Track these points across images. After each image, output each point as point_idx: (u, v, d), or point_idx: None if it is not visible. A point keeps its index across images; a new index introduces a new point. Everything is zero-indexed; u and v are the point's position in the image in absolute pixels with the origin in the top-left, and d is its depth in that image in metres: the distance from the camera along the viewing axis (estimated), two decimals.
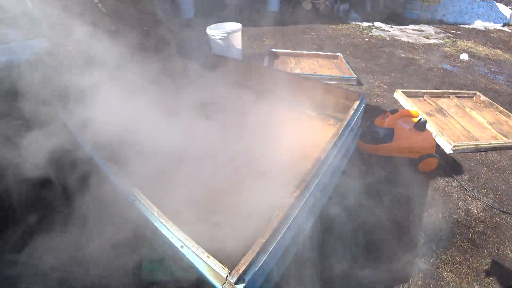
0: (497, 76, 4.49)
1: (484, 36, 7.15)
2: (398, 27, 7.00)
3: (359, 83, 3.57)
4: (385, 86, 3.55)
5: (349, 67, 3.83)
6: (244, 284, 0.52)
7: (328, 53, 4.34)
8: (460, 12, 8.18)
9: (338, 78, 3.48)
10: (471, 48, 5.87)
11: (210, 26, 3.76)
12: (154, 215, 0.68)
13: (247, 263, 0.54)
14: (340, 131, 1.02)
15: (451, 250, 1.58)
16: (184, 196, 1.40)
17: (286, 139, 1.51)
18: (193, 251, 0.58)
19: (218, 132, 1.62)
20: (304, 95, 1.42)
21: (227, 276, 0.53)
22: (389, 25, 7.00)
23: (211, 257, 0.57)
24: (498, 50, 5.99)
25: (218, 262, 0.56)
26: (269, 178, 1.48)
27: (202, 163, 1.57)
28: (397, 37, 6.07)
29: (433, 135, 2.52)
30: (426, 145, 2.05)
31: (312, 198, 0.78)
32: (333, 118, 1.34)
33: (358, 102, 1.16)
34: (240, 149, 1.58)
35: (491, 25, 8.18)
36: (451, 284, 1.43)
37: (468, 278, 1.47)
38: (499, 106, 3.18)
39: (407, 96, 3.13)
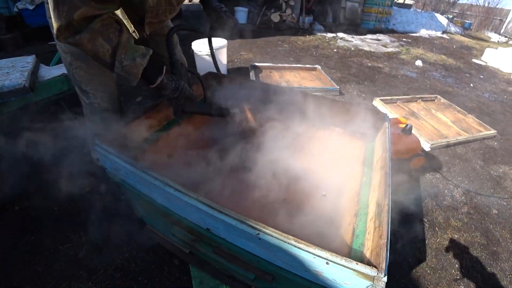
0: (447, 79, 5.26)
1: (429, 43, 8.19)
2: (358, 37, 7.73)
3: (341, 93, 3.98)
4: (363, 95, 4.01)
5: (329, 78, 4.24)
6: (386, 276, 0.68)
7: (307, 66, 4.72)
8: (407, 22, 9.25)
9: (323, 89, 3.85)
10: (422, 54, 6.72)
11: (194, 42, 3.85)
12: (289, 243, 0.75)
13: (384, 260, 0.72)
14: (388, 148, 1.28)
15: (449, 230, 1.97)
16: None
17: (328, 156, 1.77)
18: (339, 264, 0.70)
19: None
20: (327, 113, 1.70)
21: (376, 274, 0.68)
22: (351, 36, 7.69)
23: (360, 263, 0.70)
24: (443, 56, 6.93)
25: (366, 265, 0.70)
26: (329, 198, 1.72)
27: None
28: (360, 47, 6.73)
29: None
30: (414, 147, 2.45)
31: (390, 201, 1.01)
32: (359, 134, 1.63)
33: (386, 123, 1.46)
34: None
35: (433, 33, 9.37)
36: (456, 256, 1.79)
37: (466, 249, 1.86)
38: (456, 106, 3.79)
39: (385, 103, 3.59)
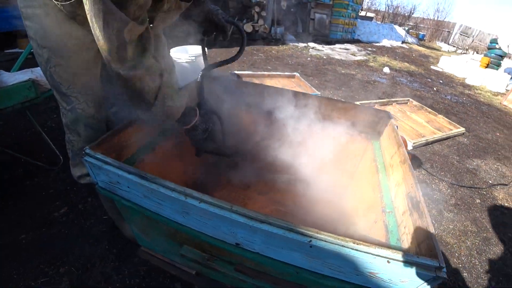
0: (414, 84, 5.66)
1: (392, 52, 8.81)
2: (328, 46, 8.11)
3: None
4: (342, 100, 4.17)
5: (309, 85, 4.35)
6: (444, 266, 0.67)
7: (287, 73, 4.82)
8: (371, 33, 9.90)
9: None
10: (388, 62, 7.19)
11: (173, 49, 3.78)
12: (347, 246, 0.71)
13: (439, 250, 0.71)
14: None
15: (444, 221, 2.07)
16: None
17: (338, 158, 1.79)
18: (401, 260, 0.67)
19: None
20: (337, 115, 1.73)
21: (439, 264, 0.66)
22: (321, 45, 8.04)
23: (421, 256, 0.68)
24: (406, 63, 7.48)
25: (427, 258, 0.68)
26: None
27: None
28: (332, 56, 7.05)
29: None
30: None
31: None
32: (364, 132, 1.67)
33: (392, 120, 1.52)
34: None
35: (394, 43, 10.11)
36: (454, 245, 1.88)
37: (461, 237, 1.96)
38: (427, 108, 4.07)
39: None
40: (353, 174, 1.78)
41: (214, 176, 1.83)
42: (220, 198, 1.62)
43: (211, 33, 1.46)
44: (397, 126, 2.57)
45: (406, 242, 0.92)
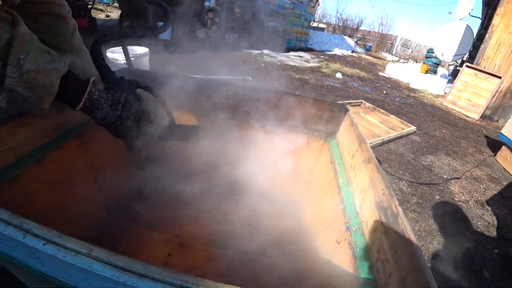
0: (365, 88, 5.83)
1: (343, 60, 9.18)
2: (282, 53, 8.15)
3: None
4: (291, 92, 4.05)
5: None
6: None
7: (239, 77, 4.62)
8: (323, 42, 10.26)
9: None
10: (340, 68, 7.41)
11: (109, 49, 3.38)
12: None
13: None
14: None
15: (409, 222, 1.94)
16: None
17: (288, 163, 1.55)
18: None
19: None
20: (285, 111, 1.50)
21: None
22: (275, 52, 8.06)
23: None
24: (356, 69, 7.79)
25: None
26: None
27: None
28: (286, 62, 7.06)
29: None
30: None
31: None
32: (317, 131, 1.46)
33: (349, 112, 1.32)
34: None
35: (345, 52, 10.59)
36: (423, 250, 1.74)
37: (427, 238, 1.83)
38: (379, 109, 4.13)
39: None
40: (309, 181, 1.55)
41: (144, 192, 1.46)
42: (151, 218, 1.23)
43: (129, 17, 1.17)
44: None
45: (382, 274, 0.66)
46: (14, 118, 0.82)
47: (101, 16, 9.66)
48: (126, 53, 1.41)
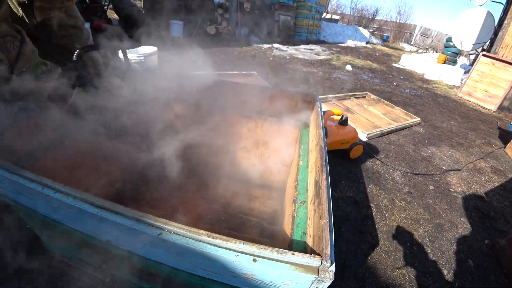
0: (374, 80, 5.72)
1: (356, 51, 8.99)
2: (293, 47, 8.11)
3: None
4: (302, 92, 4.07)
5: (266, 83, 4.23)
6: (334, 264, 0.53)
7: (244, 72, 4.68)
8: (336, 34, 10.08)
9: None
10: (351, 61, 7.29)
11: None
12: (201, 240, 0.57)
13: (328, 244, 0.56)
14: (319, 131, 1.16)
15: (395, 211, 1.96)
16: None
17: (265, 149, 1.65)
18: (270, 258, 0.53)
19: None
20: (258, 102, 1.57)
21: (320, 263, 0.53)
22: (286, 46, 8.03)
23: (297, 253, 0.54)
24: (368, 61, 7.62)
25: (306, 254, 0.54)
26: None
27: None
28: (295, 55, 7.03)
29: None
30: (352, 136, 2.47)
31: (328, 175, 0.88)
32: (293, 120, 1.53)
33: (318, 102, 1.38)
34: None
35: (358, 43, 10.36)
36: (406, 235, 1.77)
37: (413, 226, 1.85)
38: (384, 101, 4.07)
39: (321, 102, 3.68)
40: (288, 167, 1.64)
41: (146, 175, 1.66)
42: (151, 198, 1.46)
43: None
44: (346, 117, 2.47)
45: (309, 236, 0.76)
46: (35, 115, 1.03)
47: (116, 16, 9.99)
48: (125, 55, 1.51)
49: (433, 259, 1.66)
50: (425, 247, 1.73)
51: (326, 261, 0.54)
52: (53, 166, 1.10)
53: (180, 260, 0.65)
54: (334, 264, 0.55)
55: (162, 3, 8.08)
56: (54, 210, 0.72)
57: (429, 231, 1.86)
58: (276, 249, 0.55)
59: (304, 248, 0.75)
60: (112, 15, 10.38)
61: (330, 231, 0.62)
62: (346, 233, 1.73)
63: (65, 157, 1.16)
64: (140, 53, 3.59)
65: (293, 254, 0.54)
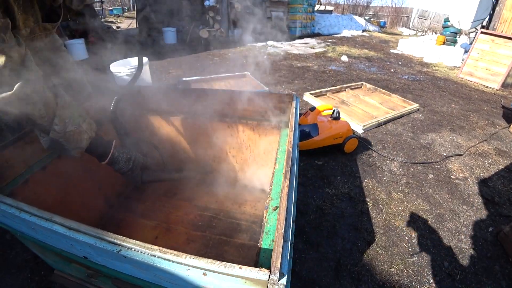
0: (371, 69, 5.62)
1: (352, 41, 8.86)
2: (287, 43, 8.04)
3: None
4: (294, 93, 4.02)
5: (259, 82, 4.19)
6: (285, 277, 0.52)
7: (237, 73, 4.64)
8: (331, 25, 9.95)
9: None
10: (347, 51, 7.18)
11: (113, 64, 3.57)
12: (154, 255, 0.58)
13: (279, 256, 0.55)
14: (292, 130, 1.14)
15: (393, 204, 1.90)
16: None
17: (246, 153, 1.63)
18: (218, 272, 0.53)
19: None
20: (236, 107, 1.54)
21: (269, 276, 0.51)
22: (280, 42, 7.97)
23: (244, 267, 0.53)
24: (365, 50, 7.49)
25: (253, 268, 0.53)
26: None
27: None
28: (290, 51, 6.96)
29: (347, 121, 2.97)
30: (345, 130, 2.41)
31: (293, 181, 0.86)
32: (273, 122, 1.50)
33: (294, 102, 1.34)
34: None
35: (355, 32, 10.20)
36: (404, 228, 1.71)
37: (412, 218, 1.79)
38: (381, 89, 3.98)
39: (315, 96, 3.62)
40: (264, 170, 1.63)
41: (136, 188, 1.72)
42: (144, 209, 1.48)
43: None
44: (338, 111, 2.41)
45: (277, 243, 0.73)
46: (22, 137, 1.09)
47: (113, 27, 10.07)
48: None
49: (433, 251, 1.60)
50: (425, 240, 1.67)
51: (275, 274, 0.52)
52: (42, 186, 1.13)
53: (146, 273, 0.68)
54: (285, 277, 0.53)
55: (154, 12, 8.11)
56: (35, 231, 0.76)
57: (429, 222, 1.79)
58: (224, 263, 0.55)
59: (269, 259, 0.73)
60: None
61: (285, 241, 0.60)
62: (341, 231, 1.68)
63: (53, 178, 1.18)
64: (132, 66, 3.59)
65: (240, 268, 0.54)
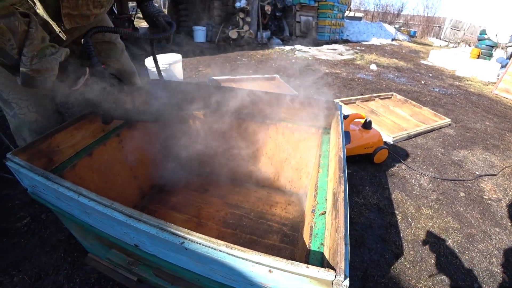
0: (401, 79, 5.51)
1: (381, 49, 8.71)
2: (315, 48, 8.02)
3: None
4: (323, 98, 4.02)
5: (288, 85, 4.23)
6: (348, 279, 0.54)
7: (266, 76, 4.70)
8: (360, 32, 9.82)
9: None
10: (375, 59, 7.07)
11: (147, 59, 3.73)
12: (220, 250, 0.60)
13: (343, 258, 0.57)
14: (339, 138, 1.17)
15: (422, 219, 1.89)
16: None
17: (285, 155, 1.68)
18: (285, 270, 0.55)
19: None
20: (278, 109, 1.59)
21: (334, 278, 0.54)
22: (308, 47, 7.96)
23: (311, 266, 0.55)
24: (394, 59, 7.35)
25: (320, 267, 0.55)
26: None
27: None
28: (318, 56, 6.95)
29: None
30: (376, 140, 2.41)
31: (346, 187, 0.89)
32: (314, 127, 1.53)
33: (338, 111, 1.38)
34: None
35: (384, 41, 10.01)
36: (433, 245, 1.70)
37: (441, 235, 1.78)
38: (411, 101, 3.92)
39: (344, 104, 3.61)
40: (309, 173, 1.65)
41: (171, 180, 1.77)
42: (176, 202, 1.54)
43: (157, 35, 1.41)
44: (370, 120, 2.42)
45: (326, 247, 0.77)
46: (72, 123, 1.17)
47: (143, 24, 10.44)
48: (156, 65, 1.62)
49: (463, 271, 1.58)
50: (454, 259, 1.65)
51: (340, 275, 0.56)
52: (87, 171, 1.22)
53: (201, 266, 0.70)
54: (348, 279, 0.56)
55: (186, 10, 8.33)
56: (88, 215, 0.81)
57: (459, 241, 1.77)
58: (291, 261, 0.58)
59: (321, 259, 0.77)
60: (140, 24, 10.83)
61: (346, 244, 0.63)
62: (368, 241, 1.70)
63: (97, 165, 1.27)
64: (165, 62, 3.73)
65: (307, 267, 0.57)
